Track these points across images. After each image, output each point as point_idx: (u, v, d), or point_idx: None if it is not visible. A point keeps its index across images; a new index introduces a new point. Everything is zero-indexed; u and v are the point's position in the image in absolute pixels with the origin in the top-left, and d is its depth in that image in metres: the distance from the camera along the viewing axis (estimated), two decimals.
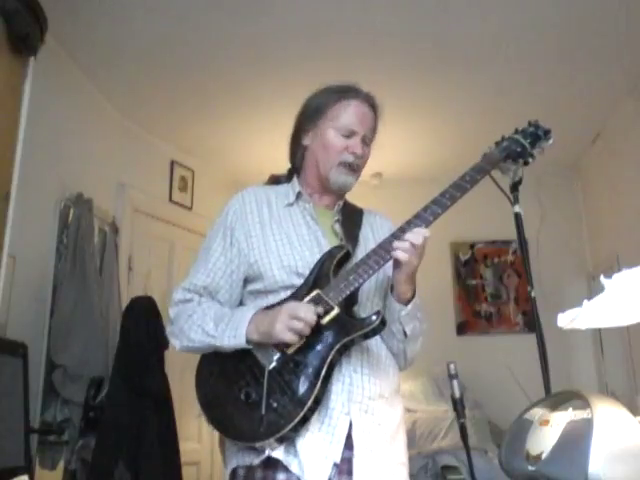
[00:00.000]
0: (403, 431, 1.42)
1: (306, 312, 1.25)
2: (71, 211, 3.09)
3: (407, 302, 1.38)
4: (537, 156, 1.52)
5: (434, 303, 4.50)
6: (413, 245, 1.29)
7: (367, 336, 1.28)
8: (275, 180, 1.62)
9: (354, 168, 1.49)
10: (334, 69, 3.28)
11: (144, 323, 2.83)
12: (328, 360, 1.25)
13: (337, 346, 1.26)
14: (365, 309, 1.39)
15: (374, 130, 1.53)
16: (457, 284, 4.79)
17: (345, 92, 1.50)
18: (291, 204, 1.50)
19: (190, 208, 4.37)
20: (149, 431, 2.70)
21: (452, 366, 2.43)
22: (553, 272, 4.25)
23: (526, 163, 1.51)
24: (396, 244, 1.30)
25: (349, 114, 1.47)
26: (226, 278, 1.42)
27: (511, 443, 1.27)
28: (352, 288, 1.30)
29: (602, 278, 1.15)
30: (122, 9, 2.84)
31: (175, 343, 1.40)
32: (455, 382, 2.41)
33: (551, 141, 1.52)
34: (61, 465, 2.77)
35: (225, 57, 3.26)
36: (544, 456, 1.15)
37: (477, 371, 3.91)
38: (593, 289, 4.27)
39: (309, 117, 1.52)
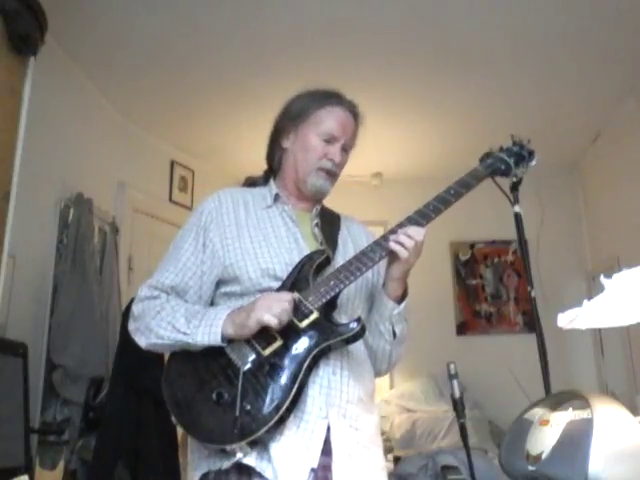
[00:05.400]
0: (379, 436, 1.40)
1: (285, 295, 1.24)
2: (71, 211, 3.09)
3: (399, 301, 1.37)
4: (522, 175, 1.52)
5: (434, 303, 4.50)
6: (416, 243, 1.29)
7: (347, 342, 1.26)
8: (251, 182, 1.60)
9: (332, 174, 1.48)
10: (334, 69, 3.30)
11: None
12: (305, 364, 1.22)
13: (315, 351, 1.23)
14: (345, 314, 1.36)
15: (354, 137, 1.52)
16: (457, 284, 4.79)
17: (329, 98, 1.49)
18: (269, 206, 1.47)
19: (190, 208, 4.36)
20: (149, 431, 2.70)
21: (452, 366, 2.43)
22: (553, 272, 4.24)
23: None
24: (401, 238, 1.29)
25: (332, 120, 1.46)
26: (195, 279, 1.38)
27: (511, 443, 1.27)
28: (333, 293, 1.28)
29: (602, 278, 1.16)
30: (122, 9, 2.84)
31: (140, 340, 1.34)
32: (455, 382, 2.41)
33: (534, 162, 1.52)
34: (61, 465, 2.77)
35: (225, 57, 3.26)
36: (544, 456, 1.15)
37: (477, 371, 3.90)
38: (593, 289, 4.27)
39: (291, 120, 1.51)
